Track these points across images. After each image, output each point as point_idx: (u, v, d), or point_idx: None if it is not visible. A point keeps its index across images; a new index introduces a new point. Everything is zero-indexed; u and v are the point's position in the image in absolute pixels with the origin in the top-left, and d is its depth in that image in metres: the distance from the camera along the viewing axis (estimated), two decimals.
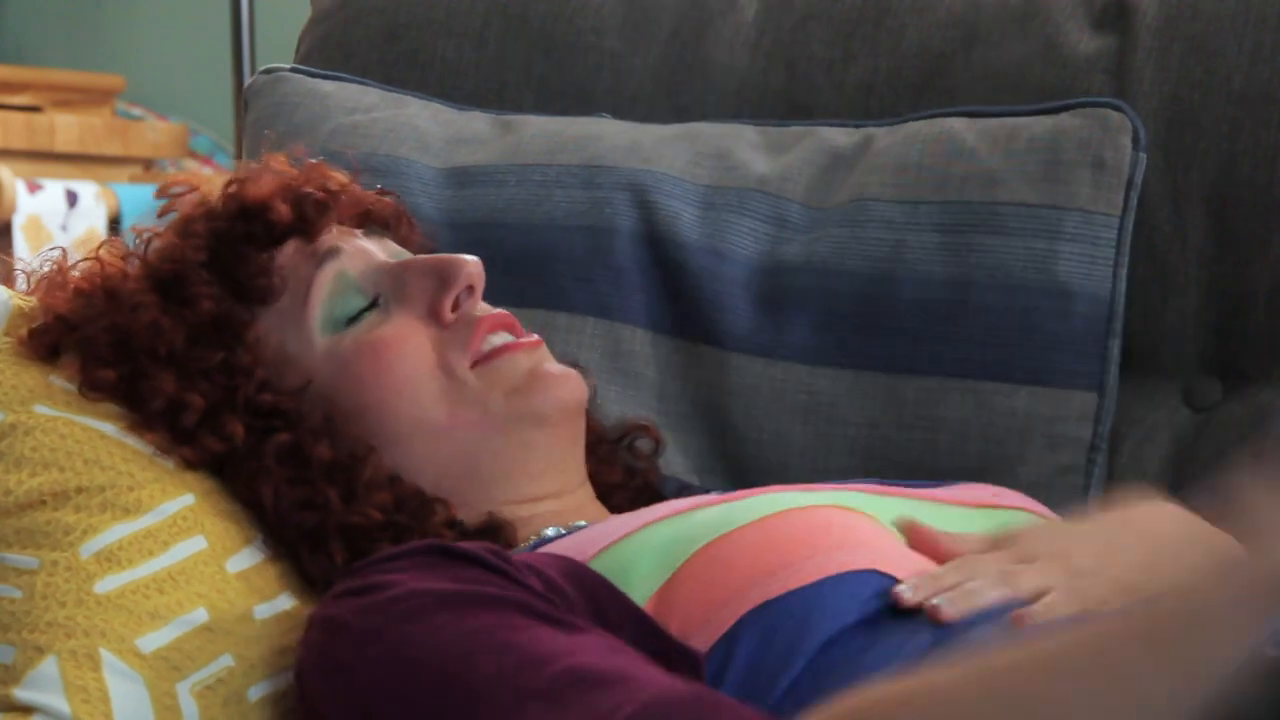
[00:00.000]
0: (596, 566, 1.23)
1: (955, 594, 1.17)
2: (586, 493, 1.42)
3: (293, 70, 1.80)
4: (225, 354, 1.36)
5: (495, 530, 1.34)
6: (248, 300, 1.39)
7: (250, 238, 1.40)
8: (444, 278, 1.38)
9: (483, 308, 1.40)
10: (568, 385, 1.38)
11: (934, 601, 1.16)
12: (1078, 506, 1.55)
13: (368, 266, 1.40)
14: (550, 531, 1.35)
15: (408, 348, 1.37)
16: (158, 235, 1.42)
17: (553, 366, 1.40)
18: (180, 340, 1.36)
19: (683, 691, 1.06)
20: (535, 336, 1.41)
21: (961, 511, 1.32)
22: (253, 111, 1.79)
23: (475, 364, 1.37)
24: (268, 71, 1.81)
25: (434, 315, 1.38)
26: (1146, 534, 1.26)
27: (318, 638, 1.20)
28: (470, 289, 1.38)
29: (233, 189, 1.42)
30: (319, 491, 1.33)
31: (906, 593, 1.17)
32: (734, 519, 1.24)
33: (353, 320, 1.38)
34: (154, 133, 3.78)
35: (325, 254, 1.40)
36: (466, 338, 1.38)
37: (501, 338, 1.39)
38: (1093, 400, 1.57)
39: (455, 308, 1.38)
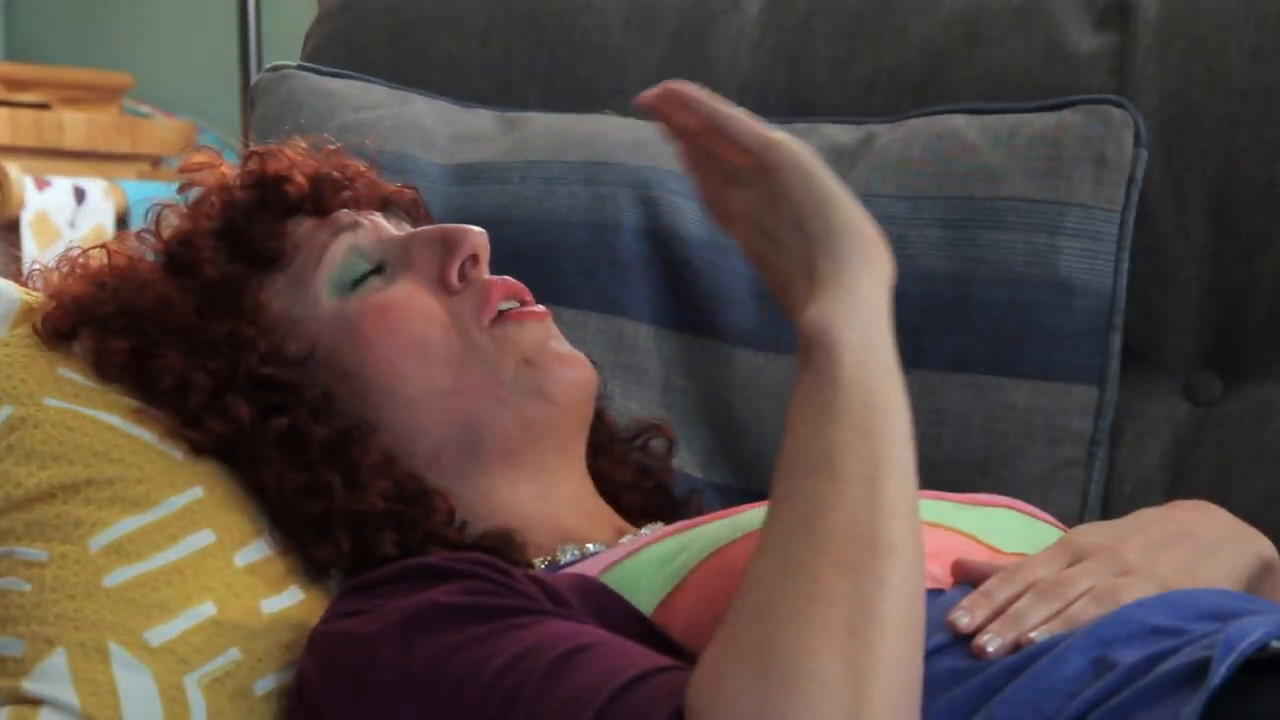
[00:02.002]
0: (605, 580, 1.24)
1: (1001, 623, 1.16)
2: (590, 495, 1.42)
3: (299, 68, 1.81)
4: (230, 325, 1.36)
5: (502, 546, 1.34)
6: (254, 264, 1.39)
7: (264, 204, 1.41)
8: (449, 245, 1.39)
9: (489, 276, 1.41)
10: (577, 367, 1.39)
11: (979, 641, 1.15)
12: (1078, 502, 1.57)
13: (378, 239, 1.41)
14: (565, 557, 1.35)
15: (415, 309, 1.37)
16: (171, 208, 1.43)
17: (561, 345, 1.39)
18: (188, 311, 1.36)
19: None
20: (544, 308, 1.40)
21: (981, 512, 1.32)
22: (259, 109, 1.79)
23: (491, 324, 1.37)
24: (274, 69, 1.82)
25: (441, 282, 1.38)
26: (1190, 533, 1.27)
27: (325, 651, 1.21)
28: (475, 258, 1.39)
29: (252, 164, 1.44)
30: (321, 478, 1.32)
31: (963, 619, 1.16)
32: (730, 534, 1.25)
33: (358, 284, 1.39)
34: (161, 130, 3.79)
35: (343, 225, 1.40)
36: (479, 300, 1.38)
37: (511, 304, 1.39)
38: (1093, 394, 1.57)
39: (462, 276, 1.38)
